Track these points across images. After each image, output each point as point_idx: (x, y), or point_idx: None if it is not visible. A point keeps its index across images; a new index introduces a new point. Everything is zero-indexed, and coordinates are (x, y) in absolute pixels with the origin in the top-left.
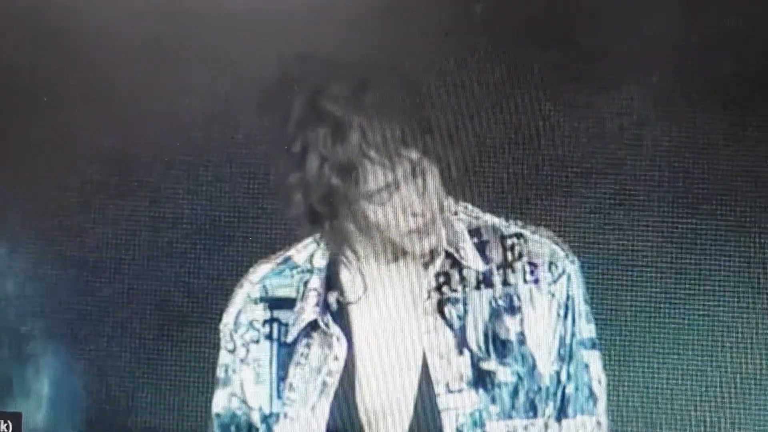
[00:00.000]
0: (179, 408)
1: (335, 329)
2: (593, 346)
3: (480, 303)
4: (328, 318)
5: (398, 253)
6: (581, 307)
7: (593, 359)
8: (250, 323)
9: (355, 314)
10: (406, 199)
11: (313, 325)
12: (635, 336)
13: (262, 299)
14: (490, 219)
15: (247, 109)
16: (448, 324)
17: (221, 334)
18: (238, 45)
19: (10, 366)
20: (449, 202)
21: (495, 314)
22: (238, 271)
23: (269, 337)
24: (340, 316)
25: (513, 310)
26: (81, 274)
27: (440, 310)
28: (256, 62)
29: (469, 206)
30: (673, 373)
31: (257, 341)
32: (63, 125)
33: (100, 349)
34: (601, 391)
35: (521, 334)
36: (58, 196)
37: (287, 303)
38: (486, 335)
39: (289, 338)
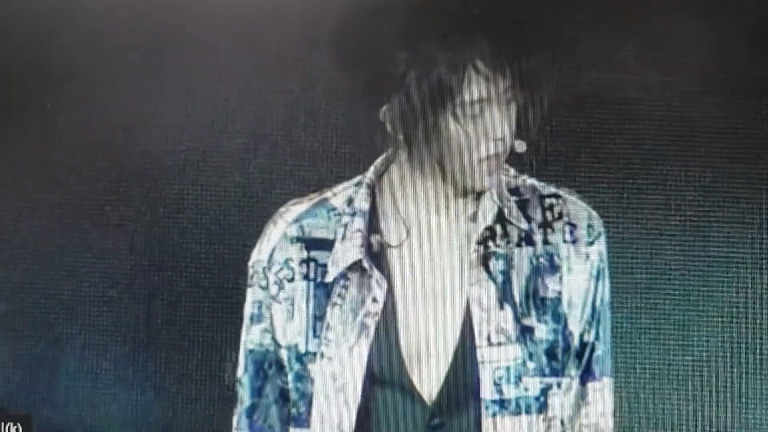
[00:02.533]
0: None
1: (376, 272)
2: (610, 307)
3: (522, 259)
4: (370, 260)
5: (446, 202)
6: (608, 268)
7: (610, 321)
8: (286, 262)
9: (396, 258)
10: (495, 118)
11: (353, 267)
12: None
13: (299, 239)
14: (527, 179)
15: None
16: (492, 278)
17: (252, 271)
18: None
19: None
20: (519, 147)
21: (536, 272)
22: None
23: (306, 276)
24: (381, 259)
25: (553, 268)
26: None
27: (485, 263)
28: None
29: (506, 165)
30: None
31: (292, 280)
32: (63, 128)
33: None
34: (612, 352)
35: (559, 292)
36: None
37: (324, 243)
38: (527, 292)
39: (328, 278)
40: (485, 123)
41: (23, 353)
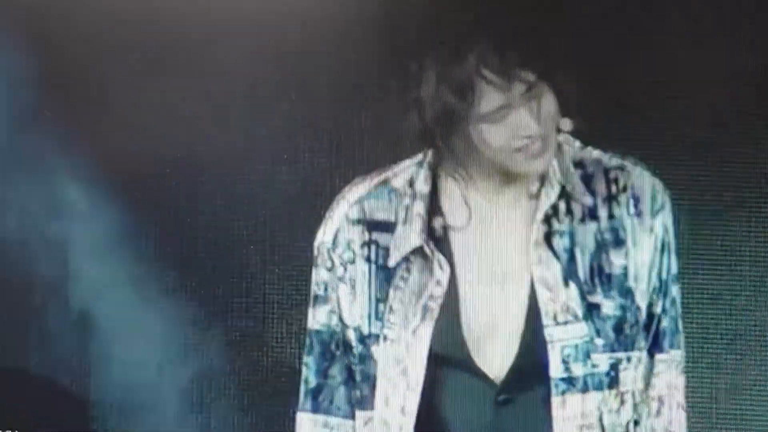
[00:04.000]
0: None
1: (439, 255)
2: (677, 280)
3: (586, 236)
4: (432, 244)
5: (506, 181)
6: (673, 241)
7: (678, 294)
8: (348, 243)
9: (459, 241)
10: (521, 120)
11: (415, 251)
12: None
13: (360, 221)
14: (593, 151)
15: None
16: (556, 256)
17: (316, 252)
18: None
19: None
20: (565, 125)
21: (600, 247)
22: None
23: (367, 259)
24: (444, 242)
25: (618, 243)
26: None
27: (548, 241)
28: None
29: (571, 138)
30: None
31: (353, 262)
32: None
33: None
34: (681, 326)
35: (625, 267)
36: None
37: (386, 226)
38: (592, 268)
39: (391, 262)
40: (512, 125)
41: None
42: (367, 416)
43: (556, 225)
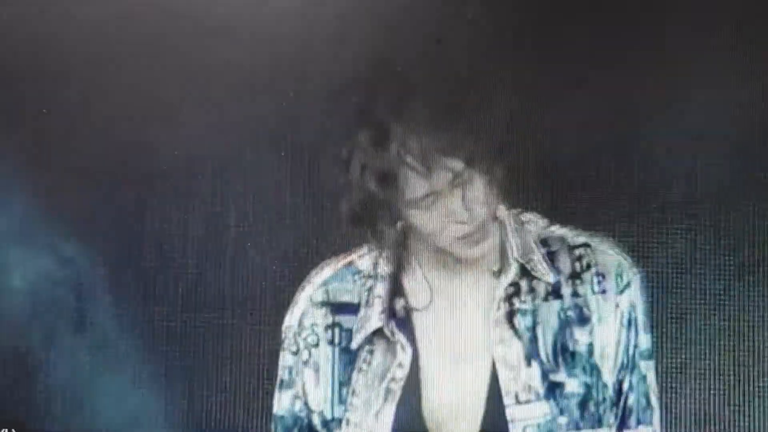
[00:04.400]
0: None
1: (400, 337)
2: (650, 356)
3: (549, 314)
4: (393, 325)
5: (463, 262)
6: (642, 317)
7: (650, 369)
8: (312, 327)
9: (421, 322)
10: (450, 207)
11: (377, 333)
12: (689, 344)
13: (324, 303)
14: (557, 229)
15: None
16: (518, 335)
17: (283, 336)
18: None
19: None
20: (507, 211)
21: (564, 325)
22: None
23: (331, 342)
24: (406, 323)
25: (582, 321)
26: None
27: (510, 320)
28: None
29: (535, 216)
30: (727, 381)
31: (317, 345)
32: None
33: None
34: (655, 401)
35: (590, 345)
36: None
37: (349, 308)
38: (555, 347)
39: (353, 345)
40: (442, 211)
41: None
42: None
43: (517, 303)
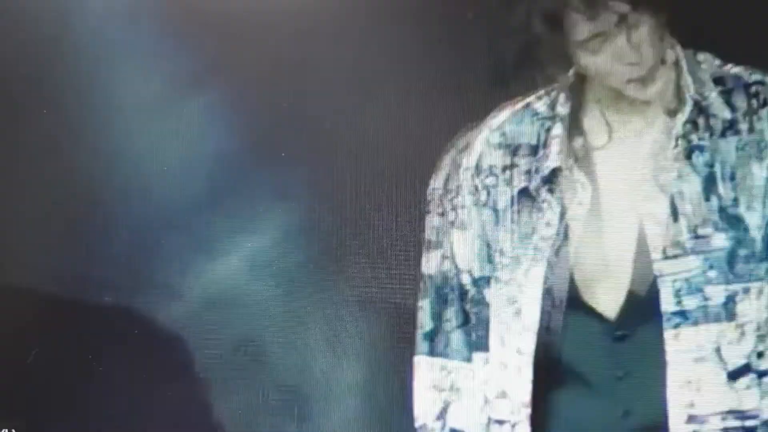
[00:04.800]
0: None
1: (580, 175)
2: None
3: (727, 150)
4: (572, 164)
5: (634, 102)
6: None
7: None
8: (489, 168)
9: (600, 160)
10: (619, 48)
11: (555, 172)
12: None
13: (501, 145)
14: (732, 68)
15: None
16: (696, 171)
17: (429, 198)
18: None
19: None
20: (680, 53)
21: (742, 160)
22: None
23: (509, 183)
24: (585, 161)
25: (761, 156)
26: None
27: (689, 156)
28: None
29: (711, 56)
30: None
31: (495, 186)
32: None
33: None
34: None
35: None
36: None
37: (528, 149)
38: (733, 181)
39: (532, 185)
40: (612, 53)
41: None
42: (483, 358)
43: (696, 140)
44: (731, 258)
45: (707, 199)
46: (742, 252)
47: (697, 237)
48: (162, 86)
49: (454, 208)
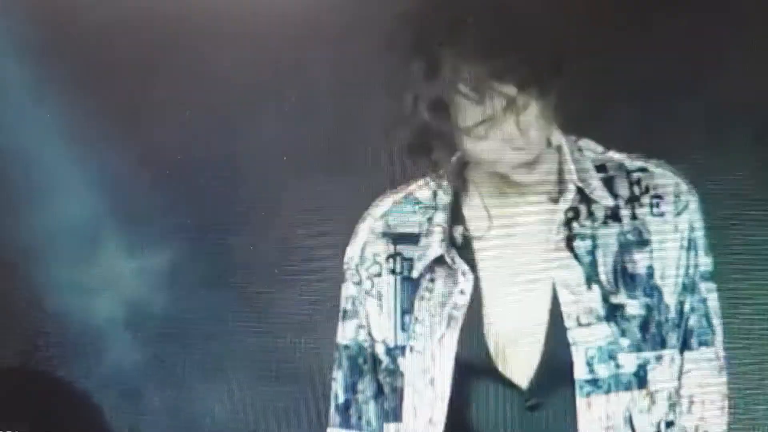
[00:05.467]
0: None
1: (461, 264)
2: (710, 278)
3: (608, 237)
4: (454, 253)
5: (518, 188)
6: (701, 238)
7: (711, 291)
8: (374, 257)
9: (481, 249)
10: (507, 133)
11: (438, 261)
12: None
13: (385, 234)
14: (614, 155)
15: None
16: (578, 259)
17: (345, 267)
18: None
19: None
20: (563, 137)
21: (623, 248)
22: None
23: (393, 271)
24: (466, 250)
25: (641, 243)
26: None
27: (569, 245)
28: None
29: (593, 143)
30: None
31: (379, 275)
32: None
33: None
34: (717, 323)
35: (650, 267)
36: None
37: (410, 238)
38: (615, 269)
39: (414, 273)
40: (499, 138)
41: None
42: (395, 428)
43: (577, 227)
44: (644, 326)
45: (589, 287)
46: (655, 320)
47: (610, 305)
48: None
49: (369, 277)
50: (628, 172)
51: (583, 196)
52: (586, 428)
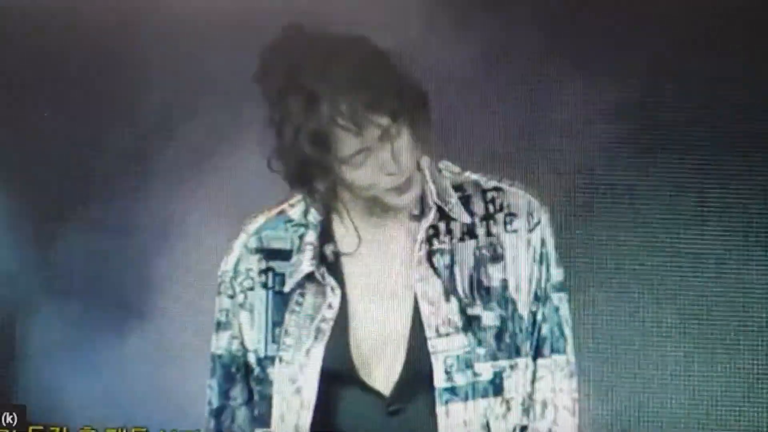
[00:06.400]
0: None
1: (330, 280)
2: (561, 288)
3: (465, 253)
4: (324, 269)
5: (387, 209)
6: (553, 252)
7: (562, 301)
8: (247, 272)
9: (349, 265)
10: (380, 161)
11: (308, 277)
12: (599, 279)
13: (258, 250)
14: (471, 175)
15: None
16: (437, 273)
17: (219, 281)
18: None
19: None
20: (429, 161)
21: (479, 263)
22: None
23: (265, 285)
24: (335, 267)
25: (496, 258)
26: None
27: (430, 260)
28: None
29: (451, 164)
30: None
31: (252, 289)
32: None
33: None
34: (568, 332)
35: (504, 280)
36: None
37: (282, 254)
38: (471, 283)
39: (286, 288)
40: (374, 165)
41: None
42: None
43: (436, 244)
44: (499, 335)
45: (447, 299)
46: (509, 330)
47: (467, 316)
48: None
49: (243, 291)
50: (484, 191)
51: (443, 214)
52: None
